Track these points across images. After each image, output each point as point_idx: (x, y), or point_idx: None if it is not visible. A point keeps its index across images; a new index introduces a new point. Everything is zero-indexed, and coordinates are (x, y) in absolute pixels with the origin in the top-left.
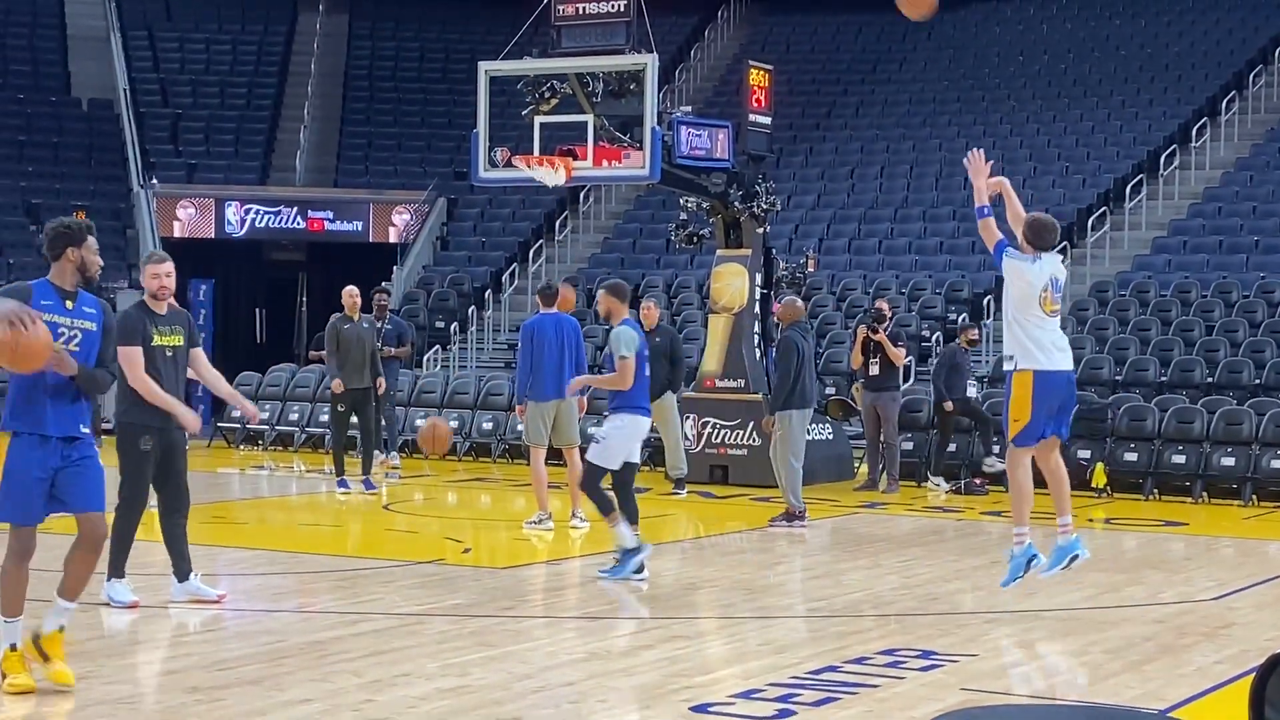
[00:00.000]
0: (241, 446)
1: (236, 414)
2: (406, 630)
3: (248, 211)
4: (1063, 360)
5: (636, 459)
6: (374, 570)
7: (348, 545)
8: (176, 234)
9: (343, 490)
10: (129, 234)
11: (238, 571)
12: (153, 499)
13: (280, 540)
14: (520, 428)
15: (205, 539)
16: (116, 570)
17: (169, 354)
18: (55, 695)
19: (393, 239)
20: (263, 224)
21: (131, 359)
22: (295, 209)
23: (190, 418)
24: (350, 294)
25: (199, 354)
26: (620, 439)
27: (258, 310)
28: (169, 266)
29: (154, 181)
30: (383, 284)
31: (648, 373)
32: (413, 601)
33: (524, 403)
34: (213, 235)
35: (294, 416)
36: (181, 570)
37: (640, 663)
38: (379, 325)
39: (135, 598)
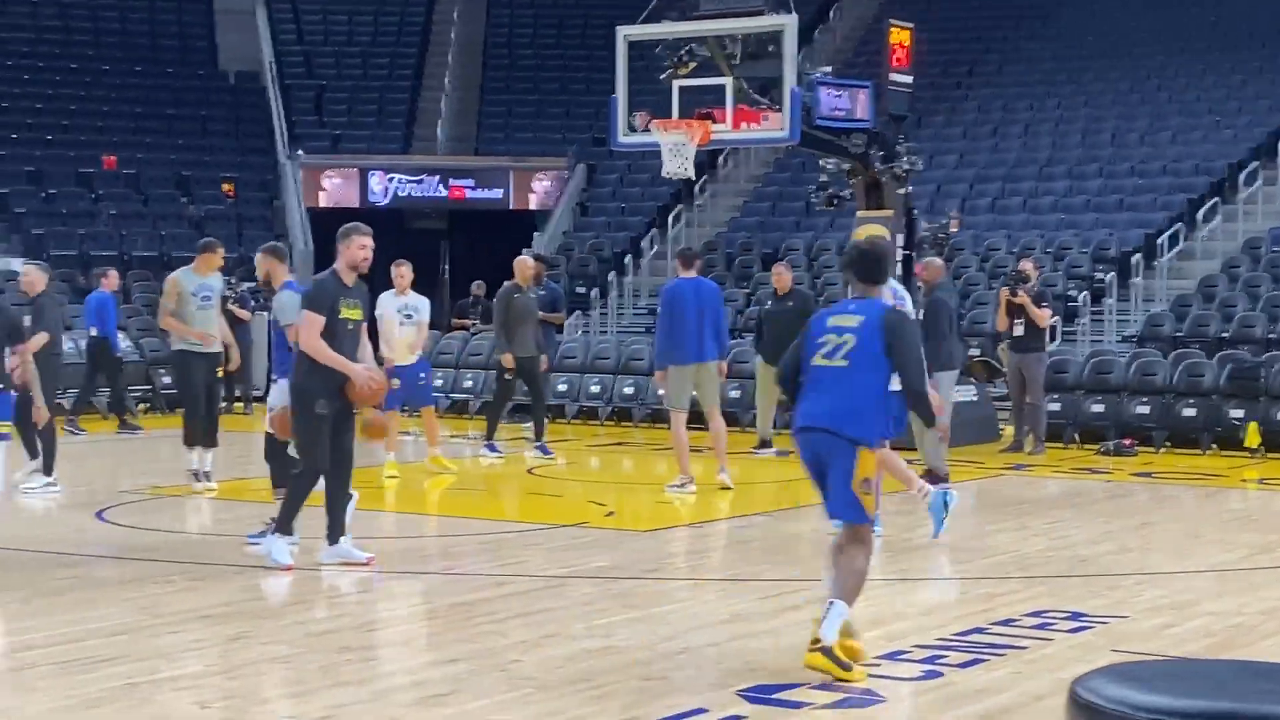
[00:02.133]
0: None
1: None
2: (552, 592)
3: (391, 180)
4: None
5: None
6: (519, 533)
7: (493, 509)
8: (321, 204)
9: (493, 454)
10: (275, 205)
11: (386, 535)
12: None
13: (427, 504)
14: (661, 392)
15: (359, 503)
16: (284, 527)
17: (350, 327)
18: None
19: (533, 206)
20: (405, 193)
21: (311, 323)
22: (437, 177)
23: (365, 379)
24: (525, 264)
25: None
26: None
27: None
28: (370, 239)
29: (299, 152)
30: (538, 252)
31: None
32: (558, 564)
33: (665, 368)
34: (357, 205)
35: (437, 383)
36: (334, 533)
37: (784, 624)
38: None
39: (291, 561)
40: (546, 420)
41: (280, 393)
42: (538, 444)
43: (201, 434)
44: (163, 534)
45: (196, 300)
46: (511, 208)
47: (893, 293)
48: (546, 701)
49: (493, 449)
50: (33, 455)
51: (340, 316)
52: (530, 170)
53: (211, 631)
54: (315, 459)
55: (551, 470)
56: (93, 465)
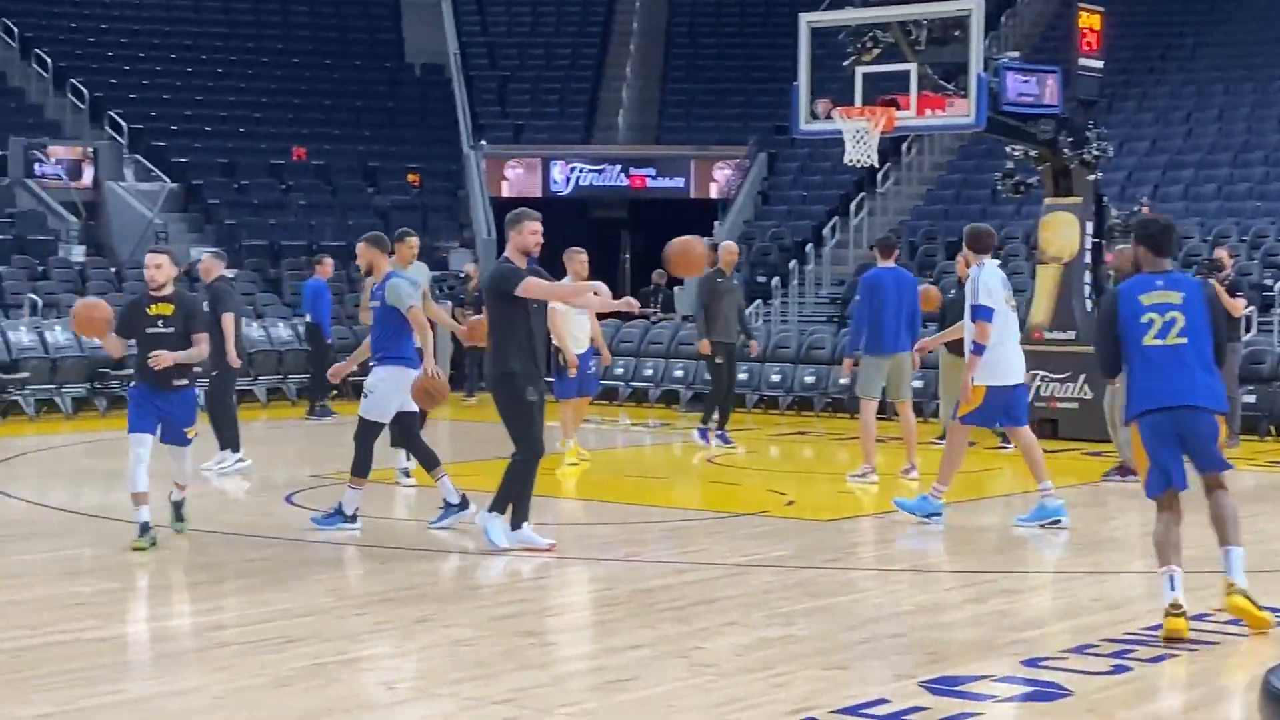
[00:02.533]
0: None
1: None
2: (732, 580)
3: (572, 170)
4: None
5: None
6: (699, 521)
7: (673, 497)
8: (504, 193)
9: (724, 444)
10: (459, 194)
11: (567, 521)
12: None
13: (607, 492)
14: (843, 380)
15: (536, 489)
16: (501, 507)
17: (534, 306)
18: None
19: (714, 194)
20: (587, 182)
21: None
22: (618, 166)
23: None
24: (728, 249)
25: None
26: (387, 390)
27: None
28: (539, 224)
29: (483, 143)
30: (717, 240)
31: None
32: (738, 552)
33: (854, 356)
34: (539, 194)
35: (618, 371)
36: (517, 519)
37: (968, 616)
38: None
39: (508, 543)
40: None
41: (381, 377)
42: (719, 431)
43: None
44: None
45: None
46: (692, 196)
47: (976, 274)
48: (727, 689)
49: (724, 439)
50: (222, 446)
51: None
52: (711, 159)
53: (397, 614)
54: (532, 443)
55: (731, 459)
56: (283, 450)
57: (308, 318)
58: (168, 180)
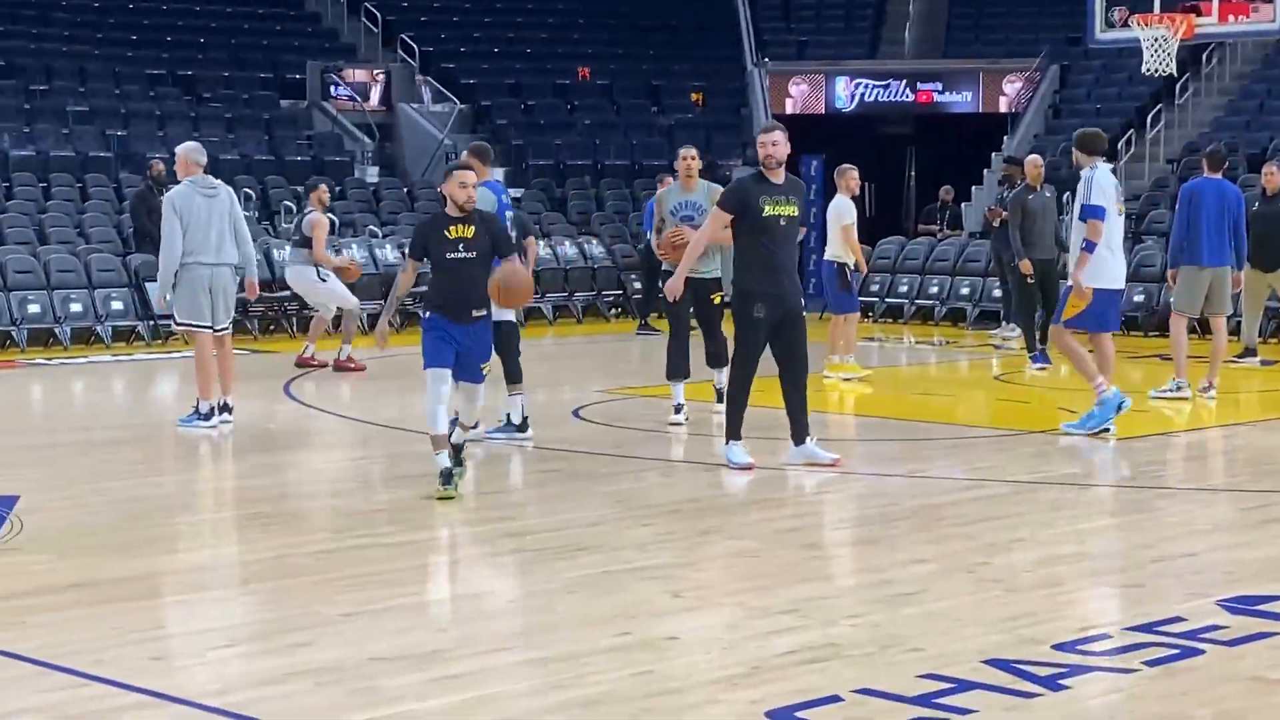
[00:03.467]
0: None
1: None
2: (1020, 497)
3: (857, 86)
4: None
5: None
6: (986, 439)
7: (960, 414)
8: (788, 110)
9: (1039, 365)
10: (743, 112)
11: (851, 437)
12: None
13: (892, 408)
14: (1172, 298)
15: (820, 406)
16: (733, 432)
17: (781, 223)
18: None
19: (1003, 109)
20: (871, 98)
21: (713, 217)
22: (904, 82)
23: (673, 288)
24: (1034, 163)
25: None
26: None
27: (867, 184)
28: (775, 135)
29: (766, 60)
30: (1009, 154)
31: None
32: (1026, 469)
33: (1176, 268)
34: (823, 111)
35: (903, 289)
36: (798, 434)
37: (1266, 536)
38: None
39: (750, 459)
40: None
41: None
42: (1036, 351)
43: (709, 355)
44: (634, 431)
45: (675, 219)
46: (980, 110)
47: (1090, 175)
48: (1015, 604)
49: (1038, 359)
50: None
51: (765, 215)
52: (1000, 72)
53: (681, 525)
54: (747, 360)
55: (1019, 376)
56: (572, 366)
57: (649, 236)
58: (457, 102)
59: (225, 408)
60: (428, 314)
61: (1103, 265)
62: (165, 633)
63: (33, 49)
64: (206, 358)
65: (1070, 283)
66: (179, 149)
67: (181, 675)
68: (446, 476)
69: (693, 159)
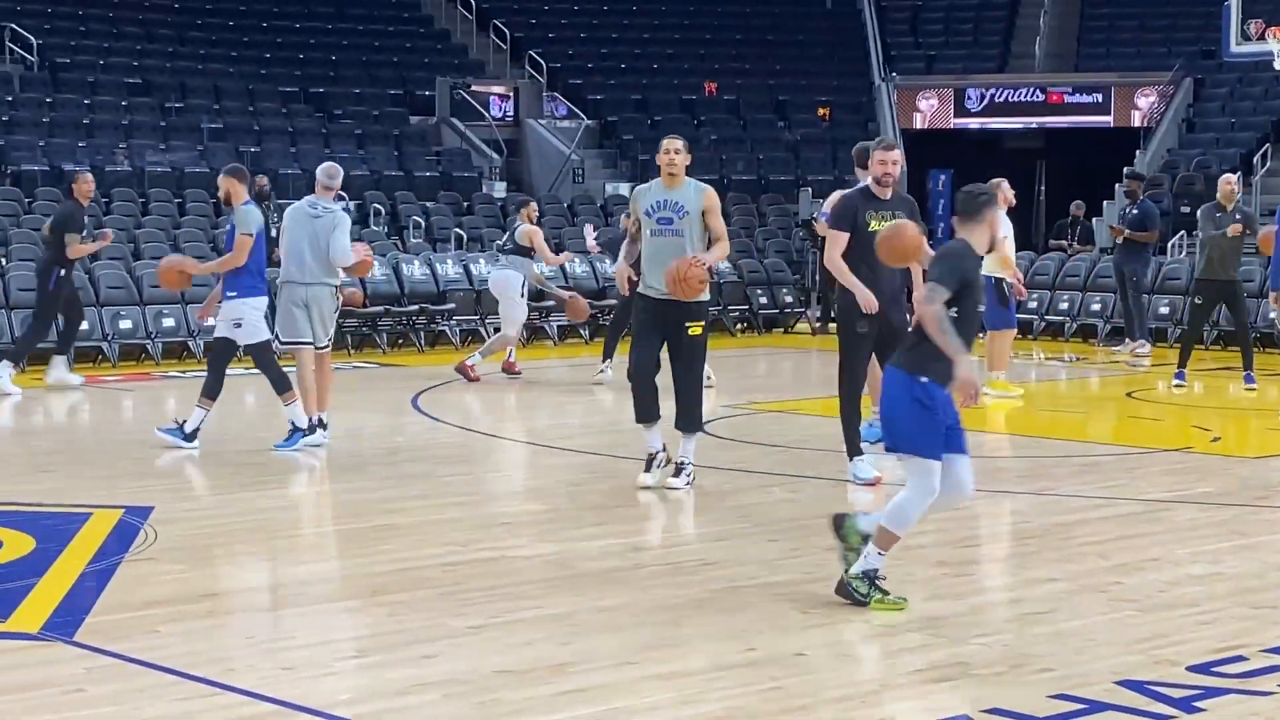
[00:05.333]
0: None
1: None
2: (1152, 516)
3: (986, 100)
4: None
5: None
6: (1118, 457)
7: (1090, 432)
8: (916, 125)
9: (1178, 383)
10: (870, 127)
11: (981, 454)
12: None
13: (1021, 426)
14: (1272, 315)
15: None
16: (853, 449)
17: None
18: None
19: (1135, 123)
20: (1001, 112)
21: (832, 240)
22: (1034, 95)
23: (867, 298)
24: (1226, 181)
25: None
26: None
27: None
28: (896, 154)
29: (894, 74)
30: (1136, 170)
31: None
32: (1159, 488)
33: (1277, 289)
34: (951, 125)
35: (1033, 305)
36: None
37: None
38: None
39: (877, 473)
40: (1129, 344)
41: (226, 310)
42: (1246, 373)
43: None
44: (760, 446)
45: (651, 220)
46: (1112, 124)
47: None
48: (1148, 625)
49: (1179, 378)
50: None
51: (870, 229)
52: (1133, 86)
53: (808, 541)
54: (854, 375)
55: (1152, 394)
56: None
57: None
58: (584, 117)
59: (320, 424)
60: None
61: None
62: (295, 643)
63: (169, 67)
64: (308, 374)
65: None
66: (319, 168)
67: (311, 685)
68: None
69: (676, 152)
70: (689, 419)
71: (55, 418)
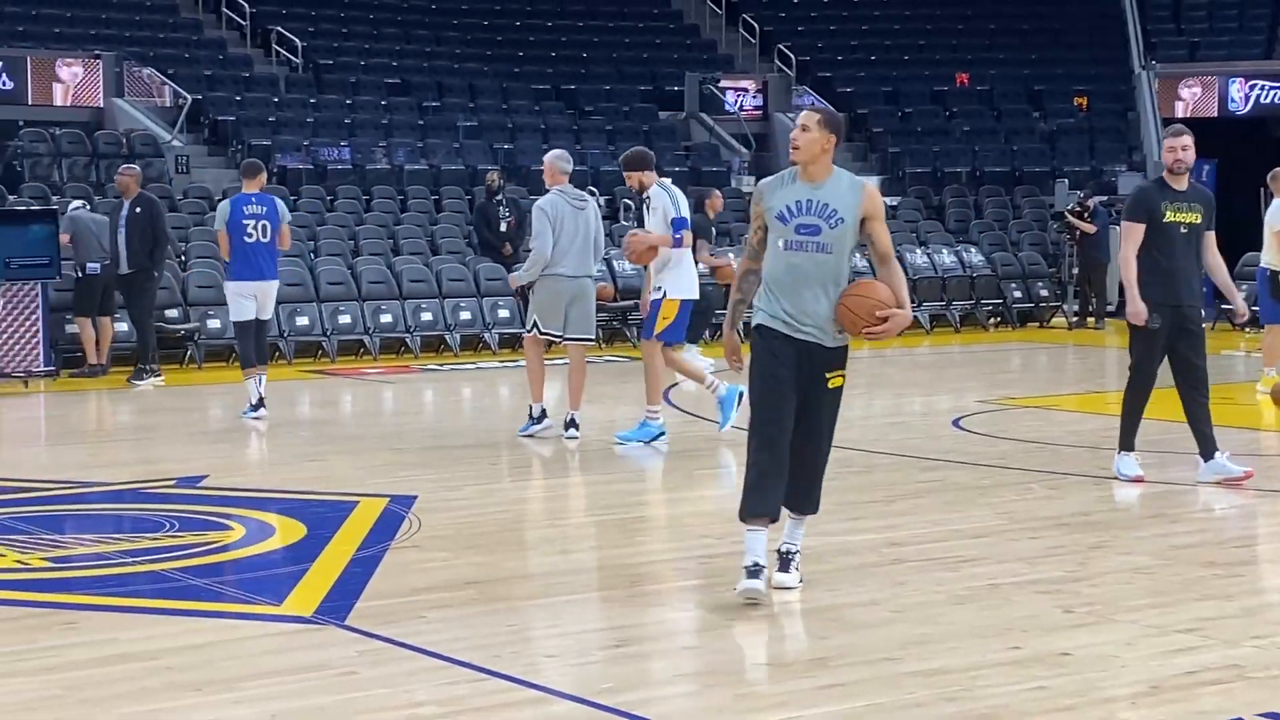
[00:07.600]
0: (1248, 330)
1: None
2: None
3: (1252, 88)
4: None
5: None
6: None
7: None
8: (1178, 114)
9: None
10: (1130, 116)
11: (1251, 452)
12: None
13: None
14: None
15: (1231, 421)
16: (1126, 444)
17: (1181, 230)
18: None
19: None
20: (1268, 100)
21: (1126, 234)
22: None
23: (1136, 310)
24: None
25: (1209, 237)
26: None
27: (1262, 190)
28: (1185, 140)
29: (1155, 62)
30: None
31: None
32: None
33: None
34: (1215, 114)
35: None
36: (1206, 449)
37: None
38: None
39: (1140, 472)
40: None
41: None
42: None
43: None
44: (1017, 443)
45: (784, 226)
46: None
47: None
48: None
49: None
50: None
51: (1165, 221)
52: None
53: (1070, 539)
54: (1142, 369)
55: None
56: (950, 375)
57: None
58: (834, 110)
59: (572, 423)
60: None
61: None
62: (558, 631)
63: (426, 67)
64: (539, 363)
65: None
66: (546, 156)
67: (575, 673)
68: None
69: (804, 128)
70: (808, 498)
71: (323, 410)
